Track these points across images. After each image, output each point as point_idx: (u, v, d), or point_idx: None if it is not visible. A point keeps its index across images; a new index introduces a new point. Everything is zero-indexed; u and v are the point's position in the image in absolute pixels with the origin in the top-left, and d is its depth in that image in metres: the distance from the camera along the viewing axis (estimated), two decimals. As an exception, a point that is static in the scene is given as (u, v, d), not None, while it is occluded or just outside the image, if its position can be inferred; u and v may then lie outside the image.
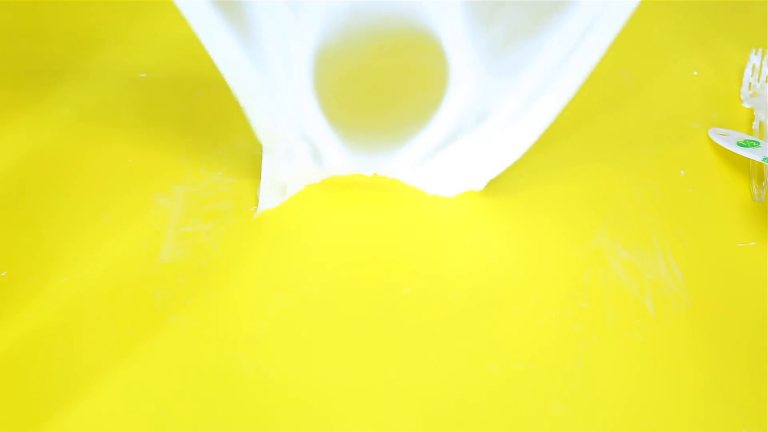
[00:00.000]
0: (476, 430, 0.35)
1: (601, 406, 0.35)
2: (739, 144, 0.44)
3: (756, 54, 0.52)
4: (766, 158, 0.42)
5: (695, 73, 0.52)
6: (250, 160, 0.45)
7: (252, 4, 0.35)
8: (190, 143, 0.47)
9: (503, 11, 0.35)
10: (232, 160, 0.46)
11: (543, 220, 0.43)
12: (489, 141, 0.41)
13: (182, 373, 0.36)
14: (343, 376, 0.36)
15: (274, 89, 0.38)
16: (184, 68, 0.52)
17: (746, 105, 0.49)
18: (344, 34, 0.35)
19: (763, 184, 0.44)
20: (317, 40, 0.36)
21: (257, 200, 0.43)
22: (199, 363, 0.37)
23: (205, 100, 0.50)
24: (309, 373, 0.36)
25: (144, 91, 0.50)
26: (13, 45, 0.54)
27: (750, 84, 0.51)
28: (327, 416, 0.35)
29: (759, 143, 0.44)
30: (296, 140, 0.41)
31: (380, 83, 0.39)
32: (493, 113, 0.39)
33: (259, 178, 0.43)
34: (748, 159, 0.45)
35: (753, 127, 0.48)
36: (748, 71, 0.51)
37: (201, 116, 0.49)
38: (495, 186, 0.44)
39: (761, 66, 0.51)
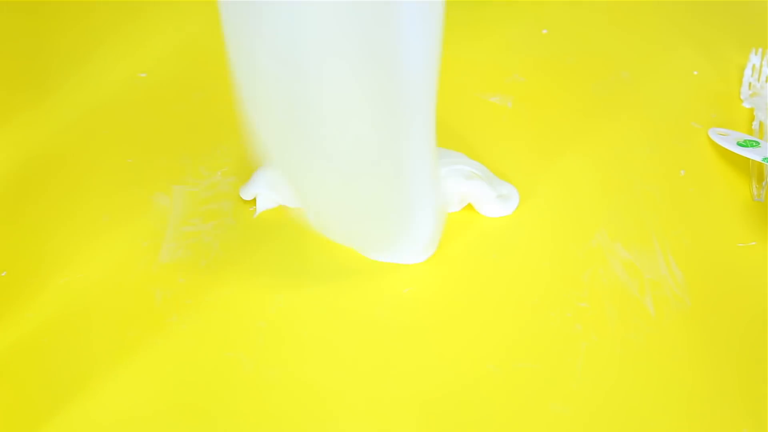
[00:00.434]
0: (476, 430, 0.35)
1: (601, 406, 0.35)
2: (739, 144, 0.44)
3: (756, 54, 0.52)
4: (766, 158, 0.42)
5: (695, 73, 0.52)
6: (249, 160, 0.45)
7: None
8: (190, 143, 0.47)
9: None
10: (232, 160, 0.46)
11: (543, 220, 0.43)
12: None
13: (182, 373, 0.36)
14: (343, 376, 0.36)
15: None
16: (184, 68, 0.52)
17: (746, 105, 0.49)
18: None
19: (763, 184, 0.44)
20: None
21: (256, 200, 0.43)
22: (199, 363, 0.37)
23: (205, 100, 0.50)
24: (309, 373, 0.36)
25: (144, 91, 0.50)
26: (13, 45, 0.54)
27: (750, 84, 0.51)
28: (327, 416, 0.35)
29: (759, 143, 0.44)
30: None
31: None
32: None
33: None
34: (748, 159, 0.45)
35: (753, 127, 0.48)
36: (748, 71, 0.51)
37: (201, 116, 0.49)
38: (495, 186, 0.44)
39: (761, 66, 0.51)
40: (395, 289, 0.39)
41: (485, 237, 0.42)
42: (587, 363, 0.37)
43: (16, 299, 0.39)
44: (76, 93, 0.50)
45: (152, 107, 0.49)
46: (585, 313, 0.38)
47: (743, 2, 0.57)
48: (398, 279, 0.40)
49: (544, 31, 0.55)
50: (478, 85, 0.51)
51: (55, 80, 0.51)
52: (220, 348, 0.37)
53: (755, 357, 0.37)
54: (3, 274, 0.40)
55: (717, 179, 0.45)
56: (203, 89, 0.50)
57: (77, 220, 0.43)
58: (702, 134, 0.47)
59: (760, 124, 0.48)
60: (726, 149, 0.45)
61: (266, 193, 0.42)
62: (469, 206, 0.43)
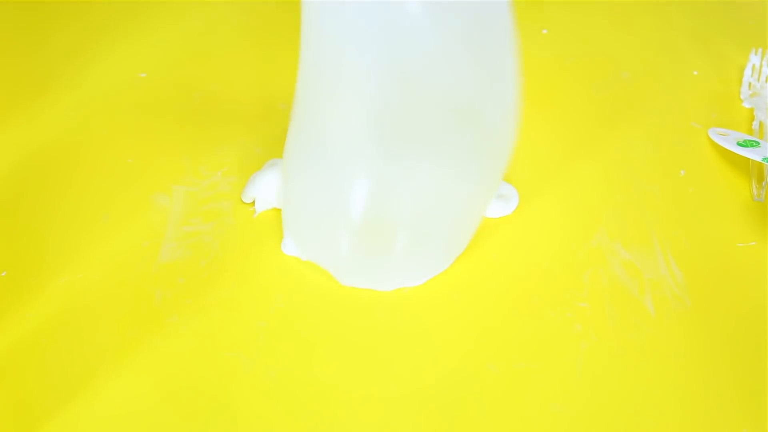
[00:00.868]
0: (476, 429, 0.35)
1: (601, 406, 0.35)
2: (738, 144, 0.44)
3: (756, 54, 0.52)
4: (766, 158, 0.42)
5: (695, 73, 0.52)
6: (250, 160, 0.45)
7: None
8: (190, 143, 0.47)
9: None
10: (232, 160, 0.46)
11: (543, 220, 0.43)
12: None
13: (182, 373, 0.36)
14: (343, 376, 0.36)
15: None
16: (184, 68, 0.52)
17: (746, 105, 0.49)
18: None
19: (763, 184, 0.44)
20: None
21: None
22: (199, 363, 0.37)
23: (205, 100, 0.50)
24: (309, 373, 0.36)
25: (144, 91, 0.50)
26: (13, 45, 0.54)
27: (750, 84, 0.51)
28: (327, 416, 0.35)
29: (759, 143, 0.44)
30: None
31: None
32: None
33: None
34: (748, 159, 0.45)
35: (753, 127, 0.48)
36: (748, 71, 0.51)
37: (201, 116, 0.49)
38: (495, 186, 0.44)
39: (761, 66, 0.51)
40: (395, 289, 0.39)
41: (485, 237, 0.42)
42: (587, 363, 0.37)
43: (16, 299, 0.39)
44: (76, 93, 0.50)
45: (152, 107, 0.49)
46: (585, 313, 0.38)
47: (743, 2, 0.57)
48: (398, 279, 0.40)
49: (544, 31, 0.55)
50: (478, 85, 0.51)
51: (55, 80, 0.51)
52: (220, 348, 0.37)
53: (755, 357, 0.37)
54: (3, 274, 0.40)
55: (717, 179, 0.45)
56: (203, 89, 0.50)
57: (77, 220, 0.43)
58: (702, 134, 0.47)
59: (760, 124, 0.48)
60: (726, 149, 0.45)
61: (264, 196, 0.42)
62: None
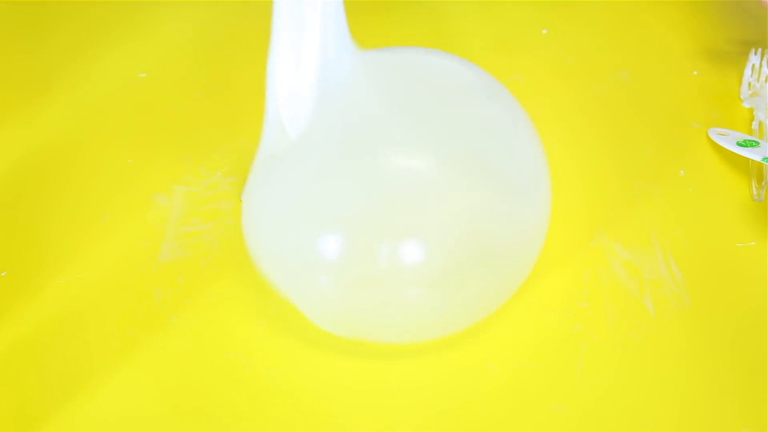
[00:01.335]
0: (476, 430, 0.35)
1: (601, 406, 0.35)
2: (738, 144, 0.44)
3: (756, 54, 0.52)
4: (765, 158, 0.42)
5: (695, 73, 0.52)
6: (250, 160, 0.45)
7: None
8: (190, 143, 0.47)
9: None
10: (232, 160, 0.46)
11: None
12: None
13: (182, 373, 0.36)
14: (343, 376, 0.36)
15: None
16: (184, 68, 0.52)
17: (746, 105, 0.49)
18: None
19: (763, 184, 0.44)
20: None
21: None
22: (199, 363, 0.37)
23: (205, 100, 0.50)
24: (308, 373, 0.36)
25: (144, 91, 0.50)
26: (13, 45, 0.54)
27: (750, 84, 0.51)
28: (327, 416, 0.35)
29: (759, 143, 0.44)
30: None
31: None
32: None
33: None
34: (748, 159, 0.45)
35: (753, 127, 0.48)
36: (747, 71, 0.51)
37: (201, 116, 0.49)
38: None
39: (761, 66, 0.51)
40: (395, 289, 0.39)
41: (485, 237, 0.42)
42: (587, 363, 0.37)
43: (16, 299, 0.39)
44: (76, 93, 0.50)
45: (152, 107, 0.49)
46: (585, 313, 0.38)
47: (743, 2, 0.57)
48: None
49: (544, 31, 0.55)
50: (478, 85, 0.51)
51: (55, 80, 0.51)
52: (220, 348, 0.37)
53: (755, 357, 0.37)
54: (3, 274, 0.40)
55: (717, 179, 0.45)
56: (203, 89, 0.50)
57: (77, 220, 0.43)
58: (702, 134, 0.47)
59: (760, 124, 0.48)
60: (726, 149, 0.45)
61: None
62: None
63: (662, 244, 0.41)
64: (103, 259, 0.41)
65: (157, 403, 0.35)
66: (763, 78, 0.51)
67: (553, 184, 0.45)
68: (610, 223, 0.42)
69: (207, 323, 0.38)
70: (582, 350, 0.37)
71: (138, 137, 0.47)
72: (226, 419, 0.35)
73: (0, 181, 0.45)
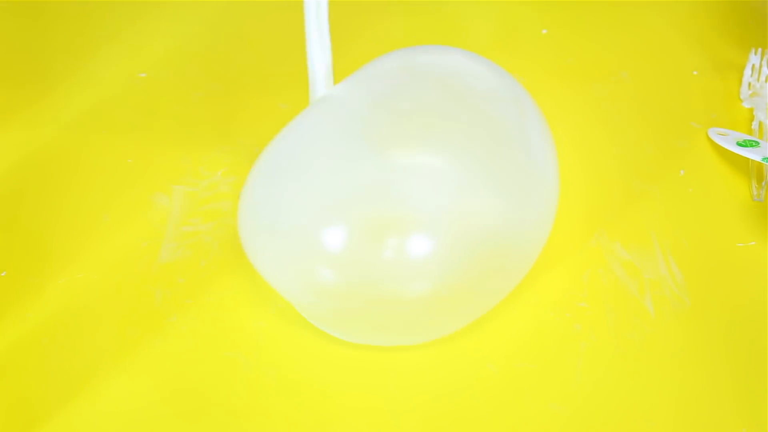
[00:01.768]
0: (476, 430, 0.35)
1: (601, 406, 0.35)
2: (738, 144, 0.44)
3: (756, 54, 0.52)
4: (765, 158, 0.42)
5: (695, 73, 0.52)
6: (250, 160, 0.45)
7: None
8: (190, 143, 0.47)
9: None
10: (232, 160, 0.46)
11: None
12: None
13: (182, 373, 0.36)
14: (343, 376, 0.36)
15: None
16: (184, 68, 0.52)
17: (746, 105, 0.49)
18: None
19: (763, 183, 0.44)
20: None
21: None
22: (199, 363, 0.37)
23: (205, 100, 0.50)
24: (309, 373, 0.36)
25: (144, 91, 0.50)
26: (13, 45, 0.54)
27: (750, 84, 0.51)
28: (327, 416, 0.35)
29: (759, 143, 0.44)
30: None
31: None
32: None
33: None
34: (748, 159, 0.45)
35: (753, 127, 0.48)
36: (747, 71, 0.51)
37: (201, 116, 0.49)
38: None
39: (761, 66, 0.51)
40: (395, 289, 0.39)
41: (485, 237, 0.42)
42: (586, 363, 0.37)
43: (16, 299, 0.39)
44: (76, 93, 0.50)
45: (152, 107, 0.49)
46: (584, 313, 0.38)
47: (743, 2, 0.57)
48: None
49: (544, 31, 0.55)
50: (478, 85, 0.51)
51: (55, 80, 0.51)
52: (220, 348, 0.37)
53: (755, 357, 0.37)
54: (3, 274, 0.40)
55: (717, 179, 0.45)
56: (203, 89, 0.50)
57: (77, 220, 0.43)
58: (702, 134, 0.47)
59: (760, 124, 0.48)
60: (726, 149, 0.45)
61: None
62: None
63: (662, 244, 0.41)
64: (103, 259, 0.41)
65: (157, 403, 0.35)
66: (763, 78, 0.51)
67: (553, 184, 0.45)
68: (609, 223, 0.42)
69: (207, 323, 0.38)
70: (581, 350, 0.37)
71: (138, 137, 0.47)
72: (226, 419, 0.35)
73: (0, 181, 0.45)
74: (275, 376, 0.36)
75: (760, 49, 0.52)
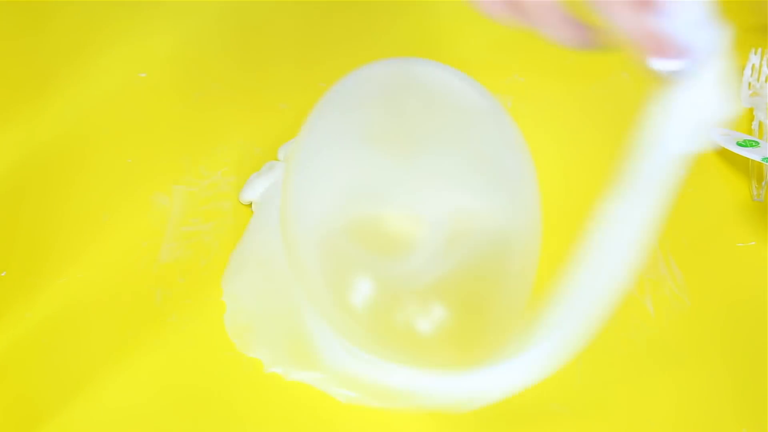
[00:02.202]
0: (476, 429, 0.35)
1: (601, 406, 0.35)
2: (738, 144, 0.44)
3: (756, 54, 0.52)
4: (765, 158, 0.42)
5: (695, 73, 0.52)
6: (249, 160, 0.45)
7: None
8: (190, 143, 0.47)
9: None
10: (232, 160, 0.46)
11: (542, 220, 0.43)
12: None
13: (182, 373, 0.36)
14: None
15: None
16: (184, 68, 0.52)
17: (746, 105, 0.49)
18: None
19: (763, 183, 0.44)
20: None
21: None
22: (199, 363, 0.37)
23: (205, 100, 0.50)
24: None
25: (144, 91, 0.50)
26: (13, 45, 0.54)
27: (750, 84, 0.51)
28: (327, 416, 0.35)
29: (759, 143, 0.44)
30: None
31: None
32: None
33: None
34: (748, 159, 0.45)
35: (753, 127, 0.48)
36: (747, 71, 0.51)
37: (201, 116, 0.49)
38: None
39: (761, 66, 0.51)
40: (395, 289, 0.39)
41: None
42: (587, 363, 0.37)
43: (16, 299, 0.39)
44: (76, 93, 0.50)
45: (152, 107, 0.49)
46: (585, 313, 0.38)
47: (743, 2, 0.57)
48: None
49: (544, 31, 0.55)
50: (478, 85, 0.51)
51: (55, 80, 0.51)
52: (220, 348, 0.37)
53: (755, 357, 0.37)
54: (3, 274, 0.40)
55: (717, 179, 0.45)
56: (203, 89, 0.50)
57: (77, 220, 0.43)
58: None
59: (760, 124, 0.48)
60: (726, 149, 0.45)
61: (261, 199, 0.42)
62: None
63: (662, 244, 0.41)
64: (103, 259, 0.41)
65: (157, 403, 0.35)
66: (763, 78, 0.51)
67: (553, 184, 0.45)
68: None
69: (207, 323, 0.38)
70: (582, 350, 0.37)
71: (138, 137, 0.47)
72: (226, 419, 0.35)
73: (0, 181, 0.45)
74: (275, 376, 0.36)
75: (760, 49, 0.52)
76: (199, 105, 0.49)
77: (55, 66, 0.52)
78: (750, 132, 0.48)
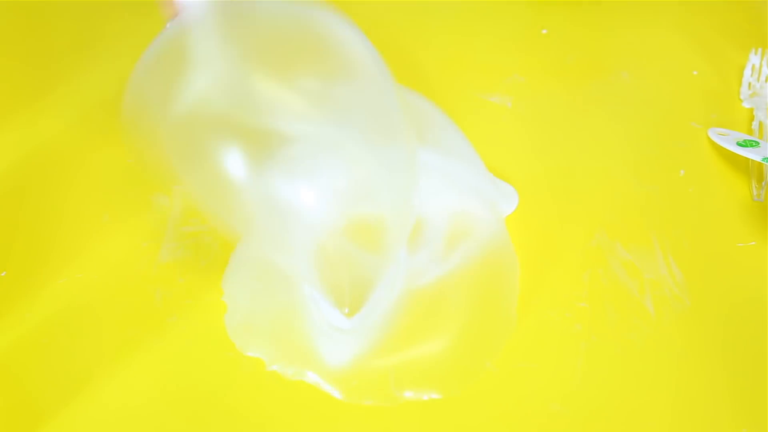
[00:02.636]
0: (476, 429, 0.35)
1: (601, 406, 0.35)
2: (738, 144, 0.44)
3: (756, 54, 0.52)
4: (765, 158, 0.42)
5: (695, 73, 0.52)
6: (250, 160, 0.45)
7: None
8: (190, 143, 0.47)
9: None
10: (232, 160, 0.46)
11: (542, 220, 0.43)
12: None
13: (182, 373, 0.36)
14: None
15: None
16: (184, 68, 0.52)
17: (746, 105, 0.49)
18: None
19: (763, 183, 0.44)
20: None
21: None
22: (199, 363, 0.37)
23: (205, 100, 0.49)
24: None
25: (144, 91, 0.50)
26: (13, 45, 0.54)
27: (750, 84, 0.51)
28: (327, 416, 0.35)
29: (759, 143, 0.44)
30: None
31: None
32: None
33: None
34: (748, 159, 0.45)
35: (752, 127, 0.48)
36: (747, 71, 0.51)
37: (201, 116, 0.48)
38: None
39: (761, 66, 0.51)
40: (395, 289, 0.39)
41: (485, 237, 0.42)
42: (587, 363, 0.37)
43: (16, 299, 0.39)
44: (76, 93, 0.50)
45: (152, 107, 0.49)
46: (585, 313, 0.38)
47: (743, 2, 0.57)
48: (398, 279, 0.40)
49: (544, 31, 0.55)
50: (478, 85, 0.51)
51: (55, 80, 0.51)
52: (220, 348, 0.37)
53: (755, 357, 0.37)
54: (3, 274, 0.40)
55: (717, 179, 0.45)
56: (203, 89, 0.50)
57: (77, 220, 0.43)
58: (702, 134, 0.47)
59: (760, 124, 0.48)
60: (726, 149, 0.45)
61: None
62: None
63: (662, 244, 0.41)
64: (103, 259, 0.41)
65: (156, 403, 0.35)
66: (763, 78, 0.51)
67: (554, 184, 0.45)
68: (609, 223, 0.42)
69: (207, 323, 0.38)
70: (582, 350, 0.37)
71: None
72: (226, 419, 0.35)
73: (0, 181, 0.45)
74: (275, 376, 0.36)
75: (760, 49, 0.52)
76: (199, 105, 0.49)
77: (56, 65, 0.52)
78: (750, 132, 0.48)
